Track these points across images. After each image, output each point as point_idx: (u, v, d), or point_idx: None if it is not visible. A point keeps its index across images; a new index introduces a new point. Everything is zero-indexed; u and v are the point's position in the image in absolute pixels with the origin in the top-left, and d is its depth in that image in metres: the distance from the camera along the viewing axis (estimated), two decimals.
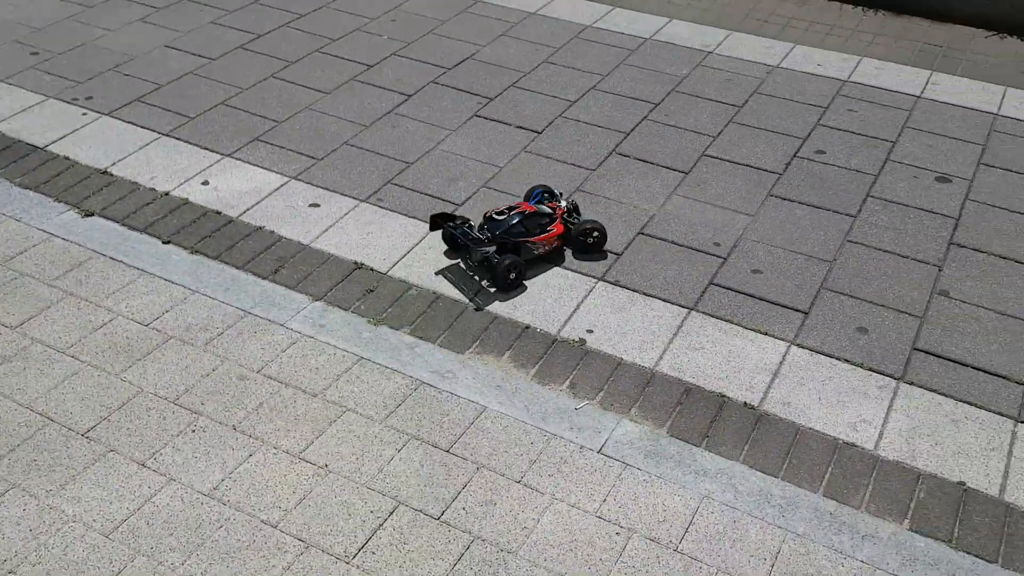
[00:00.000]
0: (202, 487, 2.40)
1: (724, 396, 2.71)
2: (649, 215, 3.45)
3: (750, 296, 3.08)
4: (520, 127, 3.98)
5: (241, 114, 4.02)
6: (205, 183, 3.57)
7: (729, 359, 2.83)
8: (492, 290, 3.07)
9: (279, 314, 2.96)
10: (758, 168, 3.73)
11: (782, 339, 2.91)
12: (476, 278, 3.11)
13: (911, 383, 2.75)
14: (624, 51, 4.61)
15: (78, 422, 2.57)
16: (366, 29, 4.77)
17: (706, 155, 3.81)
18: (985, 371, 2.79)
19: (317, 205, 3.46)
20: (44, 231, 3.29)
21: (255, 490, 2.40)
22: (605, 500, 2.39)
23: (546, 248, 3.18)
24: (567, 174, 3.66)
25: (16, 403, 2.62)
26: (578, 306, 3.02)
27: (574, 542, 2.28)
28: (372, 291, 3.06)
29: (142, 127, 3.90)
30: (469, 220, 3.19)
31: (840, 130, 3.99)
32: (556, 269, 3.16)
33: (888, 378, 2.77)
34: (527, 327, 2.93)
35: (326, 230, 3.33)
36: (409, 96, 4.19)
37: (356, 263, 3.17)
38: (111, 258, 3.17)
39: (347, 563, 2.23)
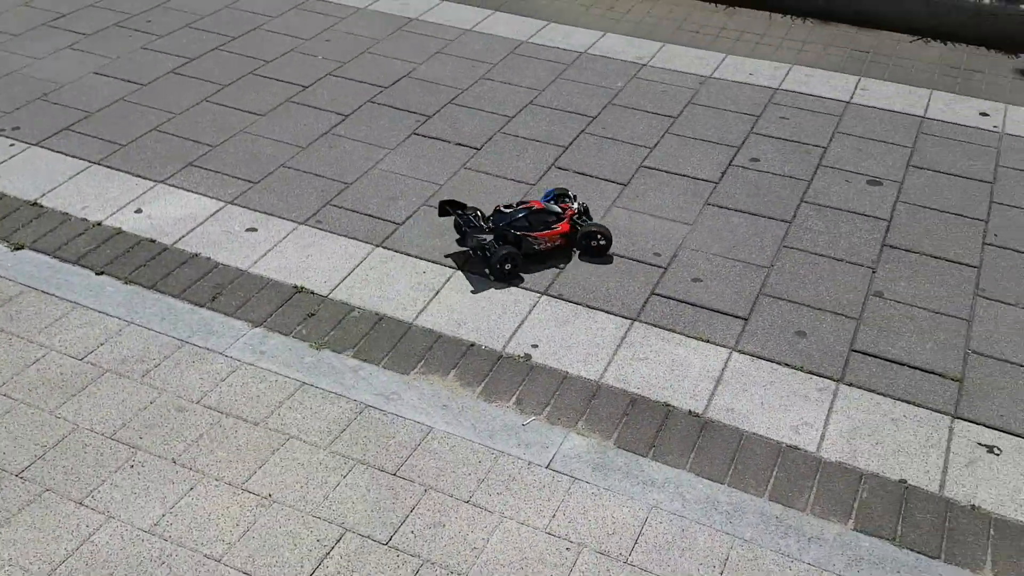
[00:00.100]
0: (142, 524, 2.34)
1: (669, 405, 2.72)
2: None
3: (691, 305, 3.11)
4: (459, 144, 3.98)
5: (174, 139, 3.95)
6: (138, 211, 3.50)
7: (673, 368, 2.86)
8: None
9: (218, 342, 2.90)
10: (695, 178, 3.77)
11: (724, 346, 2.94)
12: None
13: (850, 384, 2.80)
14: (560, 65, 4.64)
15: (12, 462, 2.50)
16: (300, 50, 4.73)
17: (644, 166, 3.85)
18: (921, 369, 2.85)
19: (254, 229, 3.41)
20: None
21: (197, 524, 2.34)
22: (554, 516, 2.38)
23: (548, 245, 3.24)
24: (507, 189, 3.67)
25: None
26: (522, 321, 3.02)
27: (524, 560, 2.27)
28: (313, 315, 3.02)
29: (72, 156, 3.82)
30: (479, 210, 3.27)
31: (773, 137, 4.06)
32: (500, 285, 3.16)
33: (828, 380, 2.82)
34: (472, 344, 2.92)
35: (264, 254, 3.28)
36: (346, 116, 4.16)
37: (296, 287, 3.14)
38: (43, 292, 3.09)
39: None
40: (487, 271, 3.18)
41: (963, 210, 3.59)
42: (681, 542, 2.32)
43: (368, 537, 2.31)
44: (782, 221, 3.51)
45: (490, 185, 3.69)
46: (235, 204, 3.55)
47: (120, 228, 3.40)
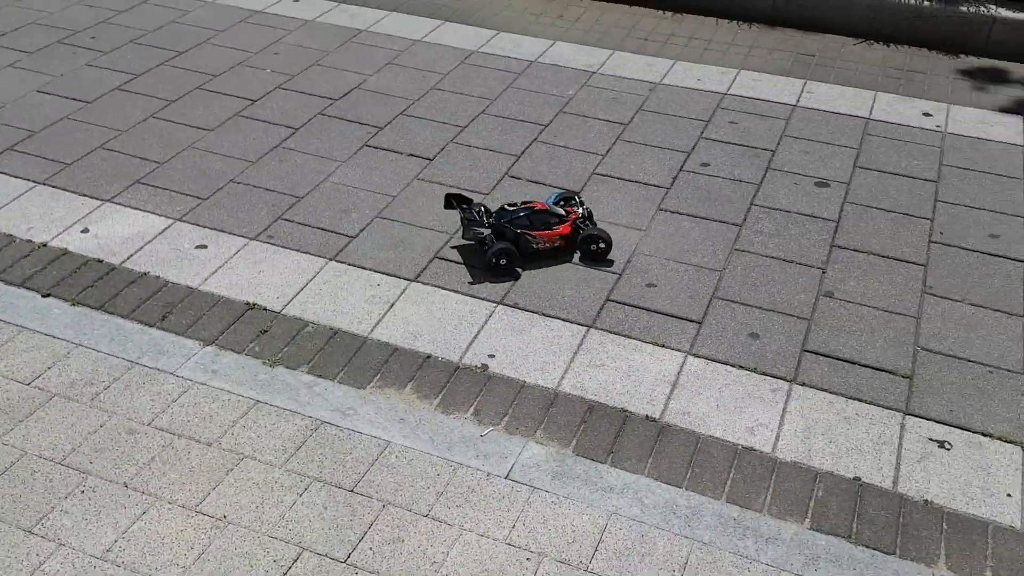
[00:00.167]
0: (94, 550, 2.29)
1: (626, 411, 2.73)
2: None
3: (646, 310, 3.12)
4: (412, 155, 3.96)
5: (120, 157, 3.89)
6: (85, 231, 3.43)
7: (629, 374, 2.87)
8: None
9: (168, 362, 2.86)
10: (647, 184, 3.80)
11: (679, 350, 2.96)
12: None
13: (803, 384, 2.83)
14: (511, 74, 4.65)
15: None
16: (248, 64, 4.69)
17: (596, 173, 3.87)
18: (872, 367, 2.89)
19: (204, 246, 3.37)
20: None
21: (151, 548, 2.30)
22: (514, 526, 2.37)
23: (546, 245, 3.28)
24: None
25: None
26: (479, 331, 3.01)
27: (485, 572, 2.26)
28: (266, 331, 2.99)
29: (15, 177, 3.74)
30: (483, 205, 3.36)
31: (722, 142, 4.10)
32: (455, 295, 3.15)
33: (781, 381, 2.85)
34: (428, 356, 2.91)
35: (215, 271, 3.24)
36: (296, 129, 4.13)
37: (248, 303, 3.10)
38: None
39: None
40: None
41: (909, 209, 3.65)
42: (641, 548, 2.33)
43: (326, 555, 2.29)
44: (733, 224, 3.54)
45: (443, 195, 3.68)
46: (184, 221, 3.50)
47: (66, 249, 3.33)
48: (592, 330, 3.03)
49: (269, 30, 5.06)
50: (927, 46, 5.00)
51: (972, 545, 2.36)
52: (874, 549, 2.35)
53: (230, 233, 3.44)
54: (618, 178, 3.84)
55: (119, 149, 3.94)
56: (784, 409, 2.75)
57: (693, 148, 4.06)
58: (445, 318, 3.06)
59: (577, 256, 3.35)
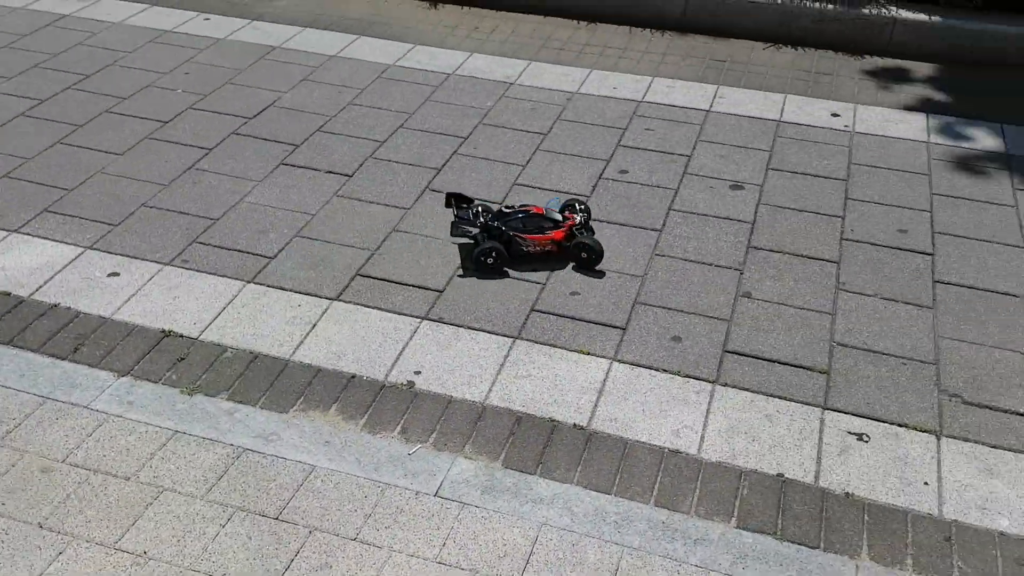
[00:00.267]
0: None
1: (554, 420, 2.74)
2: (468, 249, 3.46)
3: (571, 318, 3.14)
4: (330, 172, 3.92)
5: (27, 186, 3.76)
6: None
7: (556, 383, 2.87)
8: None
9: (82, 395, 2.77)
10: (567, 192, 3.82)
11: (604, 357, 2.98)
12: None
13: (725, 384, 2.88)
14: (428, 87, 4.64)
15: None
16: (158, 84, 4.58)
17: (517, 184, 3.88)
18: (790, 364, 2.96)
19: (117, 274, 3.27)
20: None
21: None
22: (445, 544, 2.35)
23: (537, 248, 3.33)
24: (382, 215, 3.63)
25: None
26: (404, 348, 2.98)
27: None
28: (183, 359, 2.91)
29: None
30: (480, 206, 3.45)
31: (640, 149, 4.16)
32: (378, 312, 3.12)
33: (704, 382, 2.89)
34: (353, 376, 2.87)
35: (128, 299, 3.15)
36: (210, 150, 4.05)
37: (163, 331, 3.02)
38: None
39: None
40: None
41: (821, 208, 3.75)
42: (572, 557, 2.33)
43: None
44: (652, 230, 3.59)
45: (364, 212, 3.65)
46: (95, 249, 3.40)
47: None
48: (518, 341, 3.03)
49: (179, 49, 4.95)
50: (833, 48, 5.15)
51: (893, 534, 2.42)
52: (799, 544, 2.39)
53: (143, 259, 3.35)
54: (539, 188, 3.85)
55: (25, 177, 3.81)
56: (708, 410, 2.79)
57: (611, 156, 4.10)
58: (369, 336, 3.02)
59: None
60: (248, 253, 3.40)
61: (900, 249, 3.51)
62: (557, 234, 3.37)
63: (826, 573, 2.31)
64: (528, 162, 4.04)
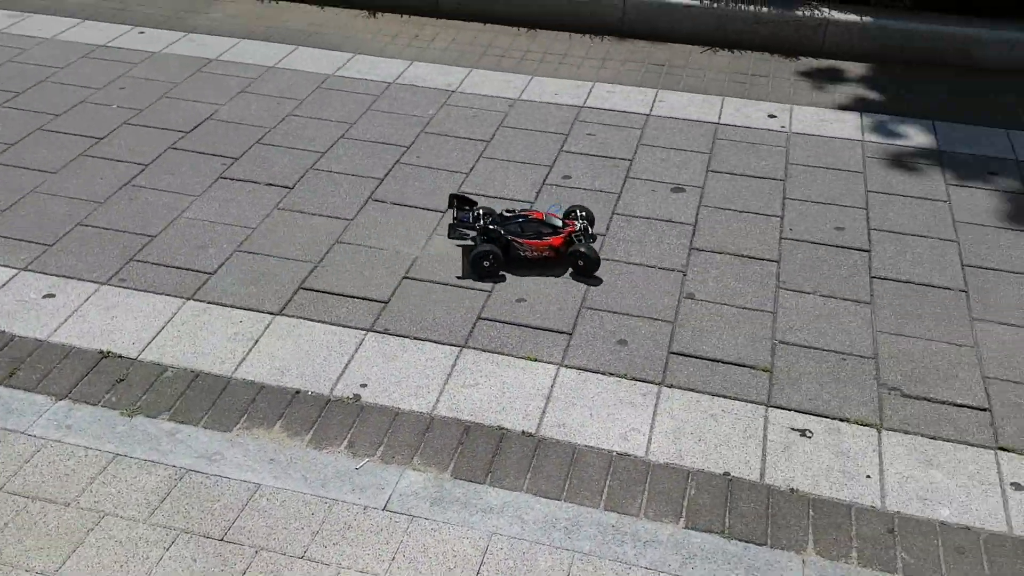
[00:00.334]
0: None
1: (503, 428, 2.74)
2: (412, 258, 3.45)
3: (517, 325, 3.14)
4: (270, 184, 3.87)
5: None
6: None
7: (504, 390, 2.87)
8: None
9: (18, 421, 2.69)
10: (511, 199, 3.83)
11: (551, 363, 2.99)
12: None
13: (671, 386, 2.90)
14: (369, 97, 4.62)
15: None
16: (92, 100, 4.49)
17: (461, 192, 3.87)
18: (734, 363, 2.99)
19: (52, 295, 3.20)
20: None
21: None
22: (394, 558, 2.33)
23: (534, 254, 3.34)
24: (323, 227, 3.60)
25: None
26: (349, 361, 2.96)
27: None
28: (123, 380, 2.85)
29: None
30: (481, 208, 3.50)
31: (582, 154, 4.18)
32: (322, 326, 3.09)
33: (650, 384, 2.91)
34: (297, 392, 2.83)
35: (65, 321, 3.08)
36: (146, 165, 3.97)
37: (102, 352, 2.95)
38: None
39: None
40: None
41: (760, 208, 3.80)
42: (523, 565, 2.33)
43: None
44: (598, 234, 3.61)
45: (306, 224, 3.61)
46: (29, 270, 3.32)
47: None
48: (465, 350, 3.03)
49: (113, 64, 4.86)
50: (768, 50, 5.24)
51: (837, 528, 2.46)
52: (747, 541, 2.42)
53: (79, 279, 3.27)
54: (483, 195, 3.85)
55: None
56: (654, 412, 2.81)
57: (554, 162, 4.12)
58: (313, 350, 2.99)
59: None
60: (187, 270, 3.34)
61: (837, 246, 3.58)
62: (555, 240, 3.36)
63: (773, 569, 2.34)
64: (471, 170, 4.03)
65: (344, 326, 3.10)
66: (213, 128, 4.28)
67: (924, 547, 2.41)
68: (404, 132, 4.31)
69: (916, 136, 4.38)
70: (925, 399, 2.87)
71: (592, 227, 3.52)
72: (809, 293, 3.32)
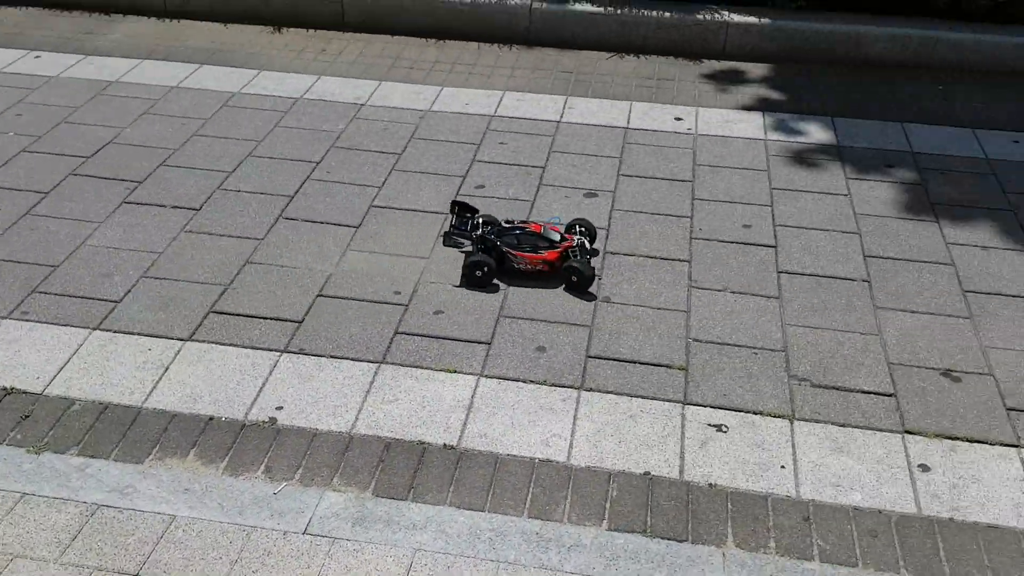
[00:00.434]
0: None
1: (424, 443, 2.72)
2: (326, 275, 3.41)
3: (436, 338, 3.13)
4: (176, 207, 3.79)
5: None
6: None
7: (424, 404, 2.86)
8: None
9: None
10: (425, 211, 3.82)
11: (471, 373, 2.98)
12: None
13: (590, 389, 2.93)
14: (277, 113, 4.56)
15: None
16: None
17: (374, 206, 3.85)
18: (650, 364, 3.04)
19: None
20: None
21: None
22: None
23: (528, 266, 3.35)
24: (233, 248, 3.53)
25: None
26: (263, 384, 2.91)
27: None
28: (28, 416, 2.75)
29: None
30: (481, 217, 3.53)
31: (495, 163, 4.20)
32: (235, 349, 3.03)
33: (570, 389, 2.93)
34: (211, 418, 2.77)
35: None
36: (46, 193, 3.85)
37: (5, 388, 2.84)
38: None
39: None
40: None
41: (670, 210, 3.87)
42: None
43: None
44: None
45: (214, 246, 3.54)
46: None
47: None
48: (383, 366, 3.01)
49: (8, 90, 4.70)
50: (673, 54, 5.34)
51: (755, 519, 2.52)
52: (668, 539, 2.46)
53: None
54: (397, 208, 3.83)
55: None
56: (575, 417, 2.83)
57: (467, 172, 4.12)
58: (226, 375, 2.93)
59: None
60: (92, 299, 3.24)
61: (745, 244, 3.66)
62: (550, 254, 3.35)
63: (695, 565, 2.38)
64: (384, 183, 4.01)
65: (257, 348, 3.04)
66: (116, 152, 4.17)
67: (839, 532, 2.49)
68: (314, 148, 4.26)
69: (816, 133, 4.52)
70: (834, 388, 2.96)
71: (593, 242, 3.51)
72: (720, 291, 3.39)
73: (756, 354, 3.08)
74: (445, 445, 2.72)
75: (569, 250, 3.39)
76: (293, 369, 2.97)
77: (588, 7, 5.33)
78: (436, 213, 3.80)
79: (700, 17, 5.25)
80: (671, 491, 2.59)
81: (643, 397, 2.91)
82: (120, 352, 3.01)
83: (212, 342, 3.06)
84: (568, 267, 3.33)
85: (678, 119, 4.62)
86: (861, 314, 3.28)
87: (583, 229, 3.53)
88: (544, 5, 5.34)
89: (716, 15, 5.26)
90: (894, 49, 5.18)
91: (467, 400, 2.88)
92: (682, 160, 4.25)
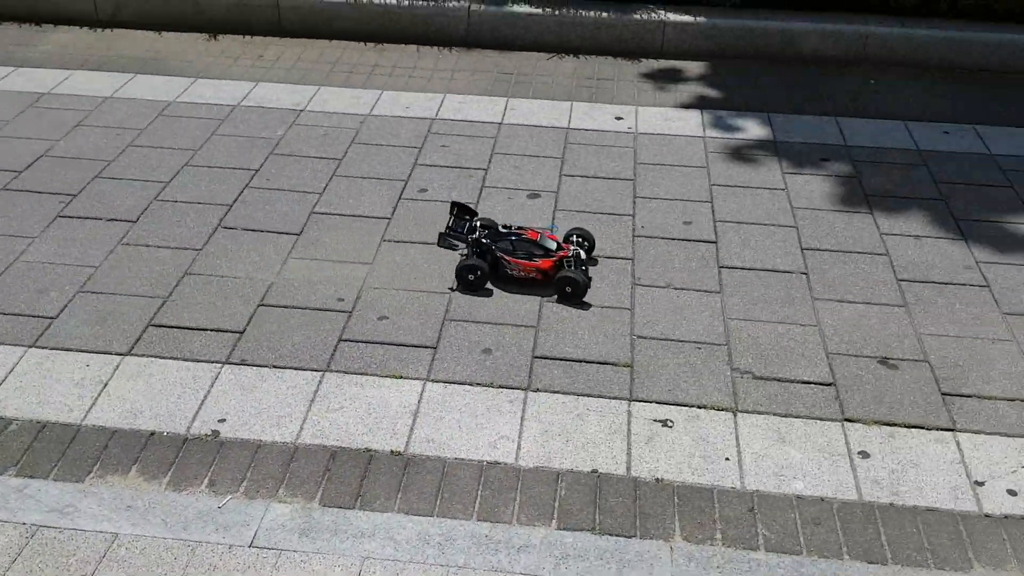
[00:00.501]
0: None
1: (370, 450, 2.71)
2: (267, 284, 3.37)
3: (380, 344, 3.12)
4: (112, 219, 3.72)
5: None
6: None
7: (370, 411, 2.84)
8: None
9: None
10: (368, 216, 3.80)
11: (417, 378, 2.98)
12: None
13: (537, 390, 2.94)
14: (214, 121, 4.49)
15: None
16: None
17: (315, 213, 3.82)
18: (596, 362, 3.06)
19: None
20: None
21: None
22: None
23: (522, 274, 3.33)
24: (171, 260, 3.48)
25: None
26: (205, 396, 2.87)
27: None
28: None
29: None
30: (480, 220, 3.52)
31: (437, 166, 4.19)
32: (175, 362, 2.98)
33: (517, 391, 2.94)
34: (152, 433, 2.73)
35: None
36: None
37: None
38: None
39: None
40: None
41: (613, 208, 3.91)
42: None
43: None
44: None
45: (151, 258, 3.48)
46: None
47: None
48: (328, 374, 2.98)
49: None
50: (612, 54, 5.39)
51: (701, 512, 2.55)
52: (617, 535, 2.47)
53: None
54: (339, 214, 3.81)
55: None
56: (522, 418, 2.84)
57: (410, 175, 4.11)
58: (167, 389, 2.88)
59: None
60: (27, 316, 3.17)
61: (687, 240, 3.71)
62: (544, 263, 3.32)
63: (643, 560, 2.41)
64: (325, 189, 3.98)
65: (198, 360, 3.00)
66: (49, 165, 4.07)
67: (783, 522, 2.53)
68: (252, 155, 4.22)
69: (753, 129, 4.60)
70: (775, 379, 3.01)
71: (591, 252, 3.50)
72: (663, 287, 3.43)
73: (699, 349, 3.12)
74: (392, 451, 2.71)
75: (564, 260, 3.36)
76: (235, 380, 2.93)
77: (526, 8, 5.35)
78: (378, 218, 3.78)
79: (637, 17, 5.30)
80: (619, 488, 2.61)
81: (589, 396, 2.93)
82: (57, 369, 2.94)
83: (152, 356, 3.01)
84: (563, 277, 3.28)
85: (618, 118, 4.66)
86: (800, 306, 3.34)
87: (580, 239, 3.51)
88: (482, 7, 5.35)
89: (653, 14, 5.32)
90: (827, 45, 5.29)
91: (413, 405, 2.87)
92: (623, 159, 4.29)
